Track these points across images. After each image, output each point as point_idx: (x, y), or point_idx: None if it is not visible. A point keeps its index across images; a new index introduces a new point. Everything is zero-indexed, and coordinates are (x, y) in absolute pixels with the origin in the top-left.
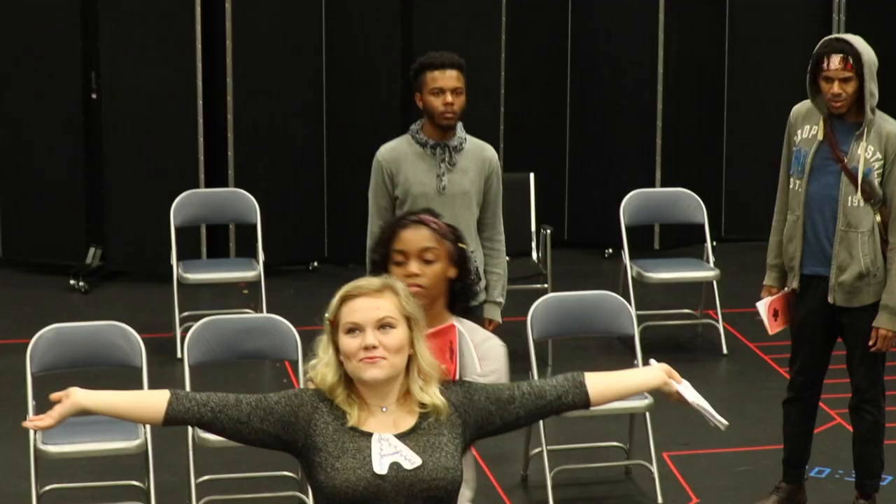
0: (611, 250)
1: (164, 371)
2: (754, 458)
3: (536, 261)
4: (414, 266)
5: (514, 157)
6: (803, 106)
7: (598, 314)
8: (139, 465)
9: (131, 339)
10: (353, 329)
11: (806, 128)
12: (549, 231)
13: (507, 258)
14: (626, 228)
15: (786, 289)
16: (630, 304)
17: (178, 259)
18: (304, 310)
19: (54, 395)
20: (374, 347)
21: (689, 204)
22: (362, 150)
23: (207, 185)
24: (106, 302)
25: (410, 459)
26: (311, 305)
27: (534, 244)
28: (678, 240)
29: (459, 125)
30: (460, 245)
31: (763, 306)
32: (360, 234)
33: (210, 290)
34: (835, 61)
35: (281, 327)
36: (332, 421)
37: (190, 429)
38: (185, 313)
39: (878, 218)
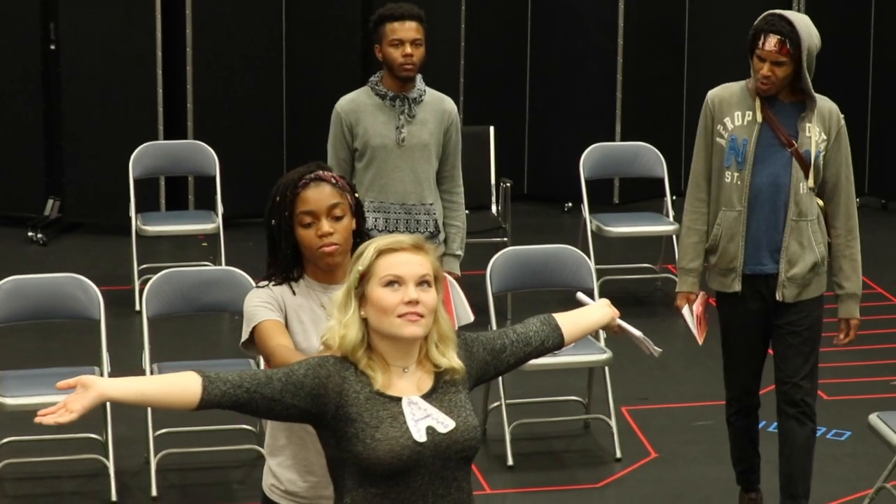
0: (570, 204)
1: (122, 323)
2: (713, 412)
3: (496, 214)
4: (326, 225)
5: (474, 109)
6: (724, 90)
7: (557, 268)
8: (97, 418)
9: (89, 292)
10: (394, 282)
11: (736, 114)
12: (508, 184)
13: (465, 211)
14: (586, 182)
15: (703, 294)
16: (589, 257)
17: (137, 211)
18: (263, 262)
19: (62, 384)
20: (418, 302)
21: (648, 158)
22: (322, 103)
23: (166, 137)
24: (64, 254)
25: (443, 423)
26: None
27: (493, 197)
28: (638, 194)
29: (419, 77)
30: (356, 195)
31: (690, 314)
32: None
33: (169, 242)
34: (770, 42)
35: (240, 280)
36: (361, 389)
37: None
38: (144, 265)
39: (821, 203)
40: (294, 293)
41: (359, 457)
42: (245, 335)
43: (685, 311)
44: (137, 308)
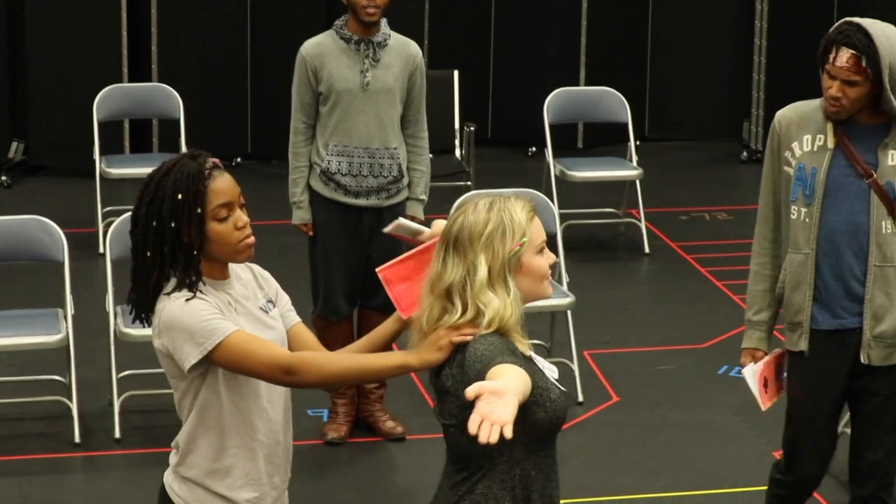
0: (534, 148)
1: (85, 266)
2: (674, 356)
3: (460, 158)
4: (244, 215)
5: (439, 54)
6: (793, 110)
7: None
8: (61, 360)
9: (53, 234)
10: (543, 249)
11: (805, 138)
12: (472, 128)
13: (430, 155)
14: (550, 127)
15: (776, 350)
16: (553, 202)
17: (101, 154)
18: None
19: (470, 394)
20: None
21: (612, 103)
22: (286, 46)
23: (130, 80)
24: (28, 196)
25: (554, 374)
26: None
27: (457, 141)
28: (602, 139)
29: (384, 21)
30: None
31: (752, 374)
32: (283, 131)
33: (133, 184)
34: (842, 58)
35: None
36: (521, 357)
37: (111, 322)
38: (108, 208)
39: None
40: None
41: (540, 423)
42: (198, 355)
43: (747, 371)
44: (101, 250)
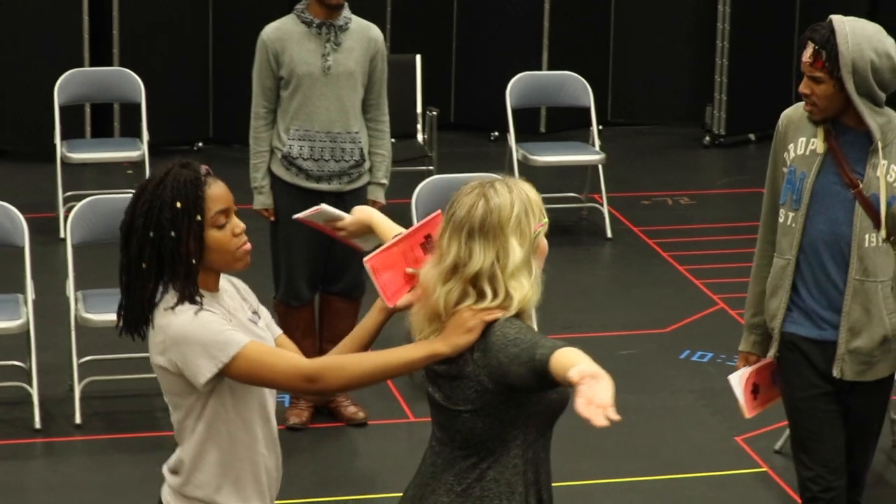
0: (497, 133)
1: (46, 251)
2: (637, 341)
3: (422, 142)
4: (240, 221)
5: (401, 38)
6: (795, 110)
7: None
8: (21, 345)
9: (14, 219)
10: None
11: (800, 141)
12: (434, 113)
13: (392, 140)
14: (513, 111)
15: (769, 356)
16: None
17: (62, 138)
18: None
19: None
20: None
21: (575, 87)
22: (248, 30)
23: (92, 65)
24: None
25: None
26: None
27: (419, 126)
28: (564, 123)
29: (346, 5)
30: None
31: (738, 380)
32: (245, 115)
33: (94, 169)
34: (806, 52)
35: None
36: None
37: (72, 308)
38: (69, 193)
39: None
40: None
41: (553, 404)
42: (213, 369)
43: (733, 377)
44: (62, 235)
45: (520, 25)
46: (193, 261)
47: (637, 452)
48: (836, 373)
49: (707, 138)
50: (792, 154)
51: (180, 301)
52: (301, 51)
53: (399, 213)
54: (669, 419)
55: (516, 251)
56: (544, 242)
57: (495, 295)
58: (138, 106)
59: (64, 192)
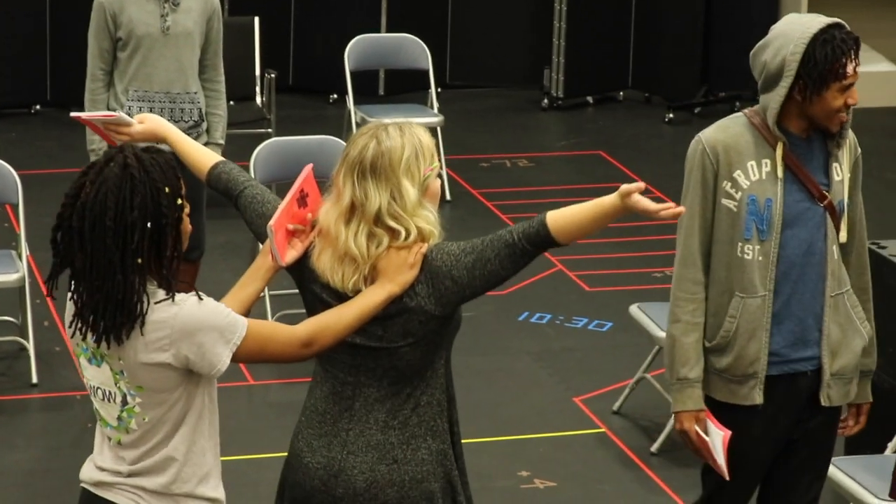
0: (335, 95)
1: None
2: (475, 303)
3: (260, 105)
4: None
5: (240, 0)
6: (723, 132)
7: (320, 159)
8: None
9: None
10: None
11: (749, 165)
12: (273, 75)
13: (230, 102)
14: (351, 74)
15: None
16: None
17: None
18: (26, 153)
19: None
20: None
21: (413, 50)
22: None
23: None
24: None
25: None
26: (33, 149)
27: (258, 88)
28: (403, 86)
29: None
30: None
31: (721, 443)
32: (81, 77)
33: None
34: (853, 64)
35: (2, 170)
36: None
37: None
38: None
39: None
40: None
41: (458, 321)
42: (229, 353)
43: (716, 438)
44: None
45: None
46: (179, 249)
47: (477, 413)
48: (823, 401)
49: (545, 101)
50: (744, 183)
51: (170, 291)
52: (140, 11)
53: None
54: (508, 381)
55: (410, 192)
56: (435, 185)
57: (408, 232)
58: None
59: None
